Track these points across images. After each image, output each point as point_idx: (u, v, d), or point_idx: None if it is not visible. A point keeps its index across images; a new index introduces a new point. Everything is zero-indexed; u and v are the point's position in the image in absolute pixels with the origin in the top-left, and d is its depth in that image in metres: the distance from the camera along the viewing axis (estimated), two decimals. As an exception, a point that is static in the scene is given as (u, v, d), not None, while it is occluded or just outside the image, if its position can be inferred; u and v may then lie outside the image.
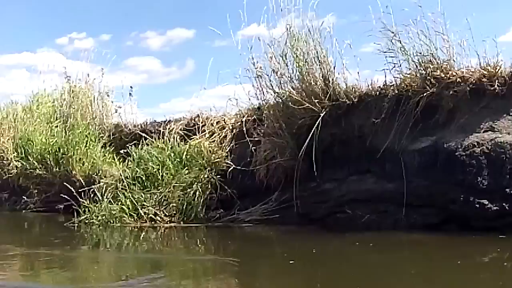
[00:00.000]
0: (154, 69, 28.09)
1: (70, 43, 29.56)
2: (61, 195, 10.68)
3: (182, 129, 10.63)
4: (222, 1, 24.81)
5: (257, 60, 8.99)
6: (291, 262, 6.17)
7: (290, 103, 8.57)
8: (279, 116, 8.69)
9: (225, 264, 6.38)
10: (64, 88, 13.29)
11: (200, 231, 8.73)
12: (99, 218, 9.18)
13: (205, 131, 10.17)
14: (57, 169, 11.82)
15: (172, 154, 9.48)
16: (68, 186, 10.23)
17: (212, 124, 10.25)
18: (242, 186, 9.25)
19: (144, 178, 9.35)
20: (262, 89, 9.00)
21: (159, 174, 9.23)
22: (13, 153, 13.00)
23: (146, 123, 11.94)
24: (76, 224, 9.25)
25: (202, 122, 10.44)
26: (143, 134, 10.62)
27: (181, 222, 8.93)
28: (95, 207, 9.29)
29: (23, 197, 12.83)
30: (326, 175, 8.64)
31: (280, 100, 8.78)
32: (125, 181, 9.32)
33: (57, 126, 12.57)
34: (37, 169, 12.17)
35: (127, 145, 10.64)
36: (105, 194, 9.48)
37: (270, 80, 8.89)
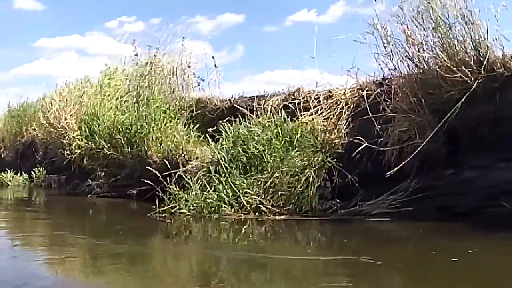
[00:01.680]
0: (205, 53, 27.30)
1: (120, 26, 29.23)
2: (141, 179, 9.44)
3: (278, 104, 9.30)
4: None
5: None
6: (453, 260, 4.96)
7: (431, 74, 7.13)
8: (417, 89, 7.24)
9: (355, 266, 5.04)
10: (137, 60, 12.08)
11: (315, 225, 7.31)
12: (191, 207, 7.82)
13: (308, 107, 8.80)
14: (129, 149, 10.61)
15: (280, 133, 8.07)
16: (150, 168, 8.87)
17: (318, 99, 8.87)
18: (363, 172, 7.83)
19: (245, 161, 7.97)
20: (393, 57, 7.55)
21: (264, 157, 7.84)
22: (76, 131, 11.80)
23: (235, 97, 10.61)
24: (158, 214, 7.94)
25: (303, 97, 9.08)
26: (241, 108, 9.24)
27: (291, 214, 7.52)
28: (185, 194, 7.93)
29: (88, 180, 11.66)
30: (467, 161, 7.22)
31: (419, 70, 7.33)
32: (222, 164, 7.95)
33: (127, 101, 11.34)
34: (104, 149, 10.98)
35: (217, 122, 9.41)
36: (196, 179, 8.12)
37: (403, 47, 7.44)
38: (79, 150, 11.61)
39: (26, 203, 11.72)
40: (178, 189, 8.10)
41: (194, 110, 10.90)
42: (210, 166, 8.13)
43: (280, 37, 30.62)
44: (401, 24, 7.51)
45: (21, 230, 7.67)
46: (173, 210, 7.96)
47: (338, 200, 7.84)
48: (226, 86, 11.56)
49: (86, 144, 11.39)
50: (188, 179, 8.24)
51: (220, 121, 9.16)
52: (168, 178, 8.48)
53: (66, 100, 13.17)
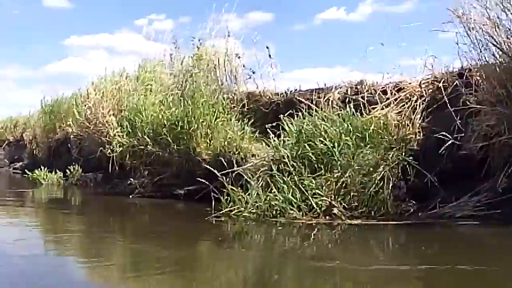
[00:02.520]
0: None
1: (149, 24, 29.43)
2: (189, 178, 9.04)
3: (339, 98, 8.82)
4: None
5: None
6: None
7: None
8: (505, 80, 6.72)
9: (435, 276, 4.52)
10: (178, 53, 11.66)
11: (391, 230, 6.78)
12: (252, 209, 7.32)
13: (373, 101, 8.31)
14: (175, 147, 10.15)
15: (350, 128, 7.57)
16: (207, 166, 8.36)
17: (384, 92, 8.38)
18: (441, 170, 7.33)
19: (313, 159, 7.48)
20: (477, 45, 7.03)
21: (334, 154, 7.34)
22: (117, 127, 11.37)
23: (291, 91, 10.12)
24: (214, 217, 7.39)
25: (367, 90, 8.58)
26: (304, 100, 8.75)
27: (367, 218, 7.03)
28: (246, 196, 7.43)
29: (130, 179, 11.23)
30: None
31: (507, 59, 6.81)
32: (287, 162, 7.46)
33: (172, 95, 10.89)
34: (148, 146, 10.53)
35: (271, 117, 8.99)
36: (256, 179, 7.63)
37: (489, 34, 6.92)
38: (121, 148, 11.11)
39: (61, 203, 11.33)
40: (236, 189, 7.57)
41: (246, 104, 10.40)
42: (272, 165, 7.61)
43: (310, 36, 30.55)
44: (486, 10, 6.97)
45: (56, 232, 7.19)
46: (232, 213, 7.40)
47: (413, 202, 7.32)
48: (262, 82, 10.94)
49: (128, 141, 10.88)
50: (248, 178, 7.70)
51: (279, 116, 8.66)
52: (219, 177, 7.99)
53: (103, 94, 12.76)
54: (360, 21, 31.02)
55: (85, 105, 13.04)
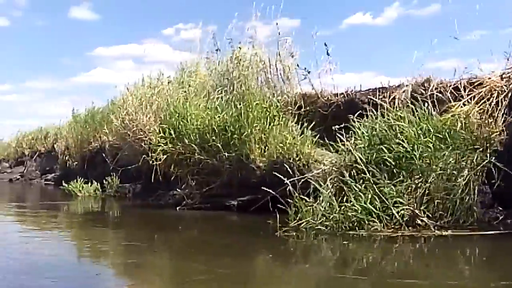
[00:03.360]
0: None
1: (177, 33, 29.73)
2: (241, 187, 8.75)
3: (405, 97, 8.37)
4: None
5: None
6: None
7: None
8: None
9: None
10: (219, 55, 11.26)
11: (480, 240, 6.29)
12: (325, 222, 6.81)
13: (441, 99, 7.83)
14: (226, 154, 9.68)
15: (430, 129, 7.07)
16: (277, 175, 7.82)
17: (456, 89, 7.89)
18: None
19: (391, 163, 6.98)
20: None
21: (414, 157, 6.84)
22: (159, 133, 10.91)
23: (352, 90, 9.65)
24: (280, 231, 6.83)
25: (436, 88, 8.11)
26: (374, 99, 8.30)
27: (456, 228, 6.55)
28: (319, 206, 6.94)
29: (177, 189, 10.78)
30: None
31: None
32: (362, 167, 6.97)
33: (218, 98, 10.45)
34: (195, 154, 10.04)
35: (331, 119, 8.47)
36: (326, 187, 7.15)
37: None
38: (165, 156, 10.63)
39: (101, 216, 10.97)
40: (307, 199, 7.09)
41: (303, 106, 9.93)
42: (344, 171, 7.12)
43: (337, 41, 30.76)
44: None
45: (97, 247, 6.81)
46: (301, 226, 6.91)
47: (500, 208, 6.83)
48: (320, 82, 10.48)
49: (173, 149, 10.42)
50: (315, 187, 7.22)
51: (340, 118, 8.26)
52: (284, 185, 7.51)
53: (141, 99, 12.36)
54: (386, 25, 31.19)
55: (123, 112, 12.58)
